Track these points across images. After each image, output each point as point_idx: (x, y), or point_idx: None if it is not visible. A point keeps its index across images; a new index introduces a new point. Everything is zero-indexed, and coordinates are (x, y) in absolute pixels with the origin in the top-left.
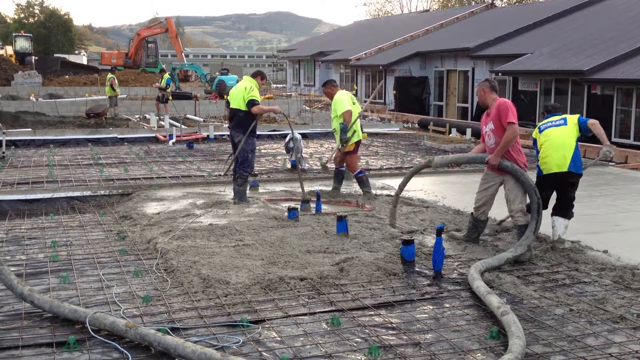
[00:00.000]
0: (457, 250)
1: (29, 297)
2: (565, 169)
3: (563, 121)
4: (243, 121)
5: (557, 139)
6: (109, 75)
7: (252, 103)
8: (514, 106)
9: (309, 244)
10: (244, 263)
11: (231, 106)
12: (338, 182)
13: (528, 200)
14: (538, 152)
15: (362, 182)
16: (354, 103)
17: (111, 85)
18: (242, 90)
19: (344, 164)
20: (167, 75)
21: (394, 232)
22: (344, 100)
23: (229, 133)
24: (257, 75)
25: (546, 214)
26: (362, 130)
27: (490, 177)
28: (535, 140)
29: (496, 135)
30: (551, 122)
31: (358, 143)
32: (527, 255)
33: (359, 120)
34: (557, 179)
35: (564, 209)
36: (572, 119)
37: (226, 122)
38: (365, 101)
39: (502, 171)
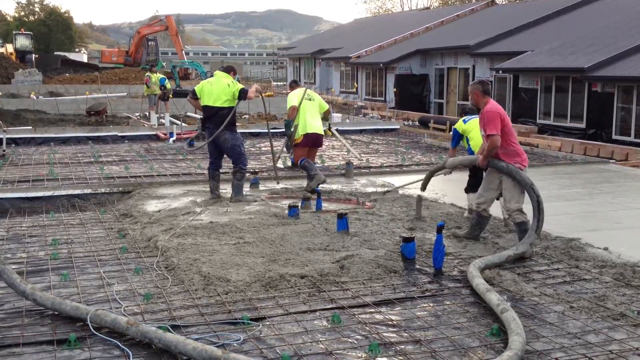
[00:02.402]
0: (458, 247)
1: (31, 295)
2: None
3: None
4: (226, 119)
5: None
6: (155, 74)
7: (244, 91)
8: (500, 114)
9: (310, 241)
10: (244, 261)
11: (212, 104)
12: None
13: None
14: (465, 139)
15: (305, 167)
16: (310, 99)
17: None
18: (226, 87)
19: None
20: (160, 75)
21: (394, 229)
22: (291, 98)
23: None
24: (231, 70)
25: (549, 211)
26: (330, 127)
27: (493, 175)
28: (456, 131)
29: (485, 140)
30: (473, 116)
31: (306, 136)
32: (528, 253)
33: (316, 114)
34: None
35: (477, 187)
36: None
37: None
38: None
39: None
